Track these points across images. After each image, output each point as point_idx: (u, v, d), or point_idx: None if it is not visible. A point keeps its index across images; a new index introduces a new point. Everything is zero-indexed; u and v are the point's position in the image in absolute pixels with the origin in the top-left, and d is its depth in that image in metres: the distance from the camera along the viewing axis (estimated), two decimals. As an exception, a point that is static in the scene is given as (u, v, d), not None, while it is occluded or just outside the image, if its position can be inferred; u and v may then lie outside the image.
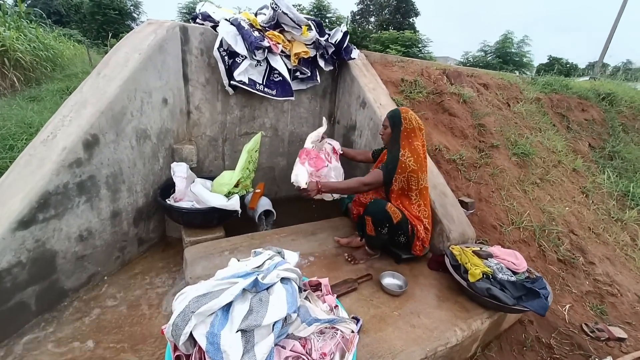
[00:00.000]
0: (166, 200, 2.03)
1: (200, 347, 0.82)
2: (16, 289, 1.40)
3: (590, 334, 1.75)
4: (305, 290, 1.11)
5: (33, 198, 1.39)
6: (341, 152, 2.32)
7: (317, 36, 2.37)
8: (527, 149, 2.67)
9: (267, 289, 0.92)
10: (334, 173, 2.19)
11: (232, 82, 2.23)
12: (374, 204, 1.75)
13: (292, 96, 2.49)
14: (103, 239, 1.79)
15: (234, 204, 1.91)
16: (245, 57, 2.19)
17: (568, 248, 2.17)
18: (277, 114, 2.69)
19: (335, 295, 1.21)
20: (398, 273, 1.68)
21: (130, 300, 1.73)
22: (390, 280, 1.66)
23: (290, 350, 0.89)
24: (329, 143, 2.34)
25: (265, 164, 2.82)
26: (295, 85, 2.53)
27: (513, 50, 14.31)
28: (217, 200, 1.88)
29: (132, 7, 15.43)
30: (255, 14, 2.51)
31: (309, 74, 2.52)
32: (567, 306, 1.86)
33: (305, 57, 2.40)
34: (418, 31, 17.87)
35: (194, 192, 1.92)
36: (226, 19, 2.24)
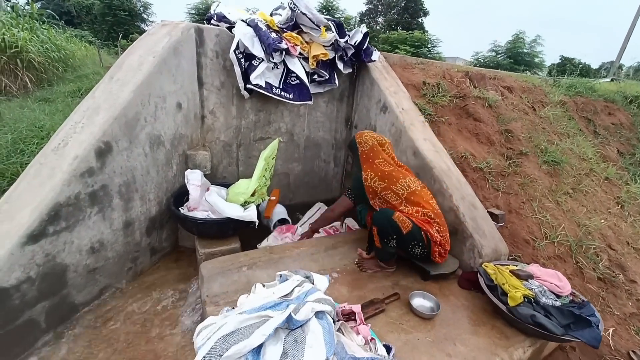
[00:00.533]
0: (179, 208, 1.95)
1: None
2: (25, 306, 1.32)
3: (638, 363, 1.61)
4: (338, 321, 1.00)
5: (43, 210, 1.31)
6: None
7: (337, 37, 2.26)
8: (557, 156, 2.52)
9: (302, 326, 0.81)
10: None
11: (248, 85, 2.14)
12: (379, 213, 1.64)
13: (310, 100, 2.38)
14: (115, 250, 1.70)
15: (251, 214, 1.81)
16: (262, 60, 2.09)
17: (607, 265, 2.02)
18: (293, 118, 2.59)
19: (369, 325, 1.09)
20: (429, 293, 1.56)
21: (143, 316, 1.65)
22: (420, 301, 1.53)
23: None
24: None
25: (280, 170, 2.72)
26: (312, 89, 2.42)
27: (525, 50, 14.02)
28: (234, 211, 1.78)
29: (142, 8, 15.53)
30: (271, 15, 2.41)
31: (327, 77, 2.41)
32: (611, 330, 1.71)
33: (324, 59, 2.29)
34: (427, 31, 17.64)
35: (210, 202, 1.83)
36: (243, 20, 2.14)
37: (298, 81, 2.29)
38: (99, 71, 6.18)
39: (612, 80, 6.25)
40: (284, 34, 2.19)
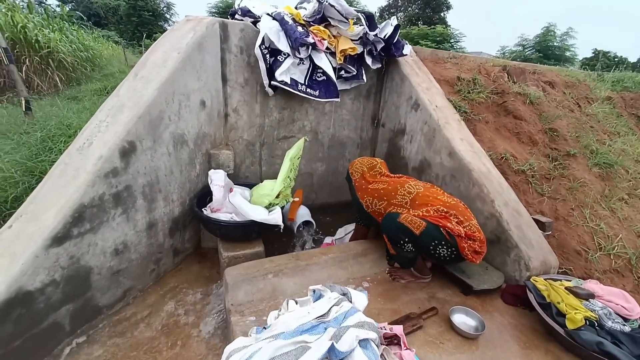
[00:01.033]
0: (202, 209, 1.89)
1: None
2: (50, 310, 1.29)
3: None
4: (381, 345, 0.89)
5: (67, 212, 1.27)
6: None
7: (367, 30, 2.12)
8: (610, 158, 2.27)
9: (344, 358, 0.71)
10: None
11: (272, 82, 2.04)
12: (385, 219, 1.56)
13: (338, 97, 2.27)
14: (138, 251, 1.66)
15: (276, 218, 1.72)
16: (288, 55, 1.99)
17: (672, 281, 1.79)
18: (318, 116, 2.48)
19: (414, 351, 0.97)
20: (471, 310, 1.41)
21: (166, 319, 1.60)
22: (462, 318, 1.39)
23: None
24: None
25: (303, 170, 2.62)
26: (338, 85, 2.30)
27: (555, 44, 13.24)
28: (259, 214, 1.70)
29: (164, 8, 15.90)
30: (296, 8, 2.30)
31: (354, 73, 2.28)
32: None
33: (352, 54, 2.16)
34: (450, 26, 17.03)
35: (234, 204, 1.75)
36: (268, 14, 2.05)
37: (324, 77, 2.18)
38: (124, 70, 6.34)
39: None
40: (311, 28, 2.08)
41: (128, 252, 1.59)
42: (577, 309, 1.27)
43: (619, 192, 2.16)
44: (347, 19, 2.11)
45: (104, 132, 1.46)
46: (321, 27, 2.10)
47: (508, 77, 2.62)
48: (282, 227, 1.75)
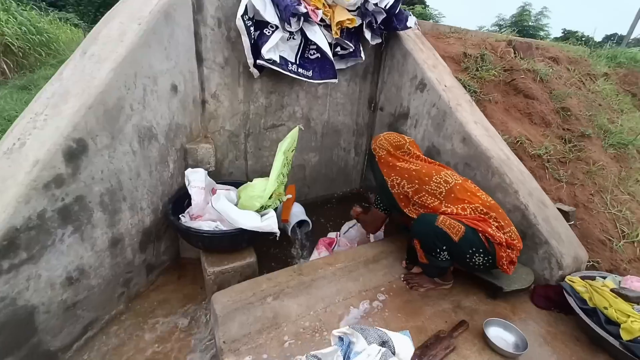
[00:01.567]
0: (180, 216, 1.58)
1: None
2: (-20, 367, 0.98)
3: None
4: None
5: (-9, 240, 0.94)
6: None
7: (366, -3, 1.81)
8: (625, 137, 2.14)
9: None
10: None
11: (258, 61, 1.71)
12: (419, 221, 1.31)
13: (335, 78, 1.97)
14: (101, 275, 1.34)
15: (271, 224, 1.44)
16: (277, 28, 1.67)
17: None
18: (310, 100, 2.18)
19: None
20: (508, 322, 1.22)
21: (140, 355, 1.31)
22: (498, 332, 1.19)
23: None
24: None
25: (294, 162, 2.31)
26: (334, 64, 1.99)
27: (530, 24, 13.35)
28: (250, 221, 1.41)
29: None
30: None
31: (352, 49, 1.99)
32: None
33: (350, 26, 1.86)
34: (428, 5, 16.71)
35: (219, 210, 1.45)
36: (249, -23, 1.69)
37: (318, 54, 1.87)
38: (84, 55, 5.67)
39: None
40: (301, -5, 1.75)
41: (86, 279, 1.27)
42: (632, 316, 1.10)
43: (635, 174, 2.03)
44: (342, -16, 1.79)
45: (41, 128, 1.11)
46: (313, -6, 1.77)
47: (515, 53, 2.41)
48: (278, 234, 1.47)
